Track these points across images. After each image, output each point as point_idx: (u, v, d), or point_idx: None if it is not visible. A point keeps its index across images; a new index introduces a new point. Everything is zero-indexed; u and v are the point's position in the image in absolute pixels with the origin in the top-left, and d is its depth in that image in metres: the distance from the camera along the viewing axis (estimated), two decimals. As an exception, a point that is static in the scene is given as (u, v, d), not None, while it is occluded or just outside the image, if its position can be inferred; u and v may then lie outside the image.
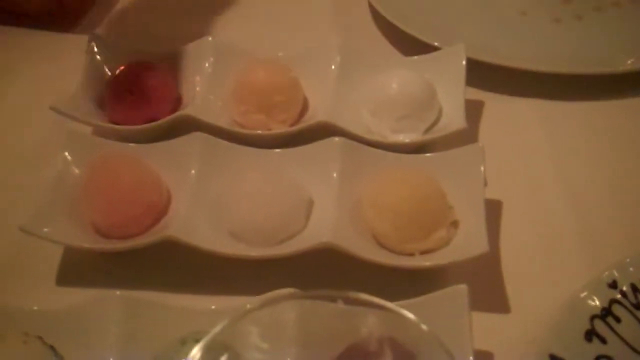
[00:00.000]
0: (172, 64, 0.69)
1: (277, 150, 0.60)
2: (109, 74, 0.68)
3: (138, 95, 0.65)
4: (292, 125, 0.65)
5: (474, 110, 0.67)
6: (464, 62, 0.66)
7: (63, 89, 0.67)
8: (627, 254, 0.50)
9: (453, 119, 0.63)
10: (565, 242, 0.57)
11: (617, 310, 0.48)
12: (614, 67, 0.69)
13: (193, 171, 0.59)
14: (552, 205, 0.60)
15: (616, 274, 0.49)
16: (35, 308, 0.51)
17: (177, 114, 0.65)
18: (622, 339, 0.47)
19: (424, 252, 0.54)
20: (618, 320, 0.47)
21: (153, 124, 0.65)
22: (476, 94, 0.68)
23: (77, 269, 0.57)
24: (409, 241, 0.54)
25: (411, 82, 0.64)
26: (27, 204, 0.57)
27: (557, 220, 0.58)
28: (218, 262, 0.54)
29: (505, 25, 0.77)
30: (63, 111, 0.64)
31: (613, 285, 0.49)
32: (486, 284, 0.54)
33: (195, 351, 0.32)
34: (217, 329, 0.32)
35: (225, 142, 0.61)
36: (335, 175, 0.57)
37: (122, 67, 0.67)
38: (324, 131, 0.61)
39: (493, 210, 0.58)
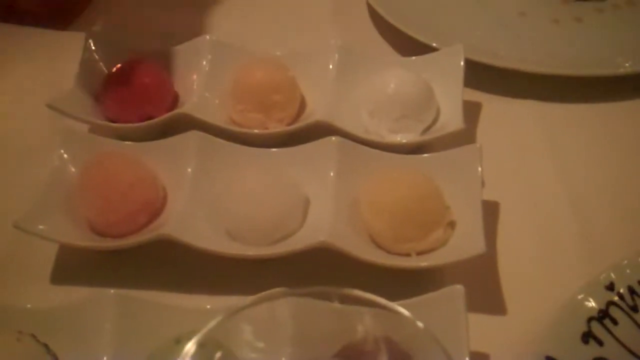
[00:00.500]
0: (169, 62, 0.69)
1: (274, 149, 0.60)
2: (106, 71, 0.68)
3: (135, 93, 0.65)
4: (289, 124, 0.65)
5: (471, 111, 0.67)
6: (462, 63, 0.65)
7: (59, 87, 0.67)
8: (625, 256, 0.50)
9: (451, 119, 0.63)
10: (562, 243, 0.57)
11: (614, 312, 0.48)
12: (612, 69, 0.69)
13: (189, 170, 0.58)
14: (550, 206, 0.60)
15: (613, 276, 0.49)
16: (29, 306, 0.51)
17: (174, 112, 0.65)
18: (618, 341, 0.47)
19: (420, 253, 0.54)
20: (615, 322, 0.47)
21: (150, 122, 0.65)
22: (474, 94, 0.68)
23: (72, 267, 0.57)
24: (406, 241, 0.53)
25: (409, 82, 0.64)
26: (22, 201, 0.57)
27: (554, 221, 0.58)
28: (214, 261, 0.54)
29: (504, 26, 0.77)
30: (59, 108, 0.64)
31: (610, 287, 0.48)
32: (483, 285, 0.53)
33: (190, 345, 0.31)
34: (210, 324, 0.32)
35: (222, 141, 0.60)
36: (332, 174, 0.57)
37: (118, 65, 0.67)
38: (321, 130, 0.61)
39: (490, 211, 0.58)
